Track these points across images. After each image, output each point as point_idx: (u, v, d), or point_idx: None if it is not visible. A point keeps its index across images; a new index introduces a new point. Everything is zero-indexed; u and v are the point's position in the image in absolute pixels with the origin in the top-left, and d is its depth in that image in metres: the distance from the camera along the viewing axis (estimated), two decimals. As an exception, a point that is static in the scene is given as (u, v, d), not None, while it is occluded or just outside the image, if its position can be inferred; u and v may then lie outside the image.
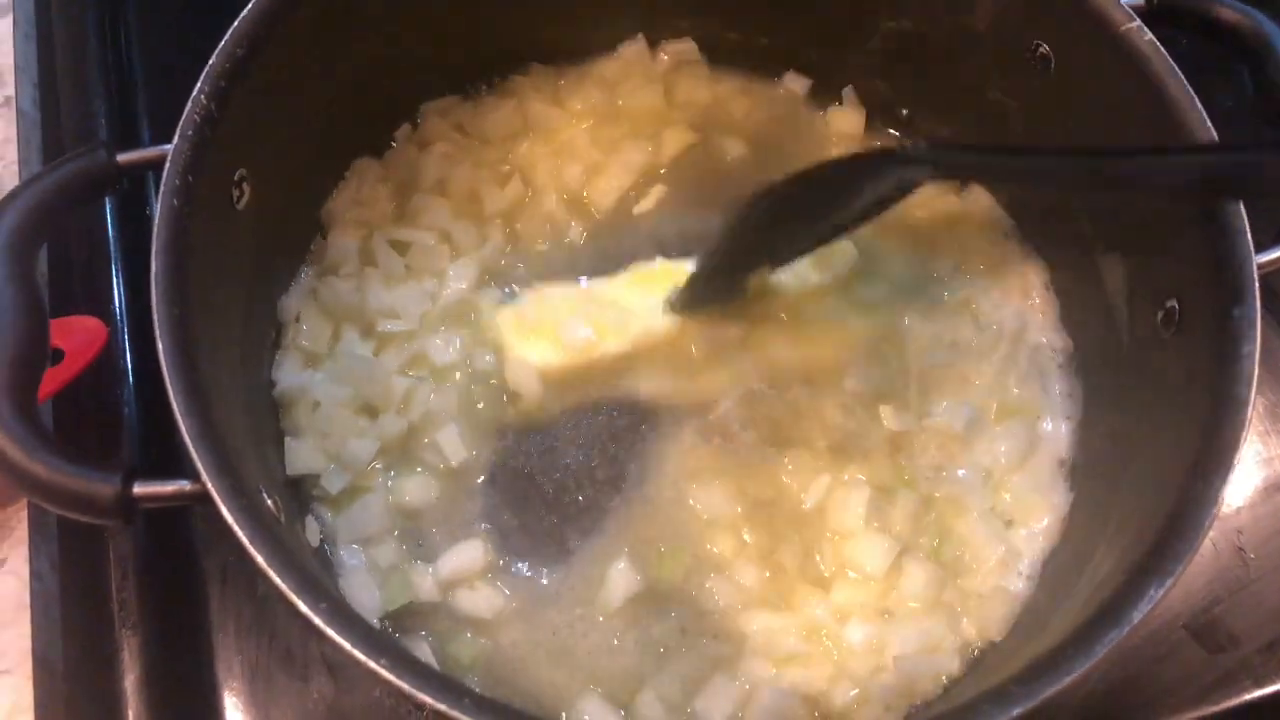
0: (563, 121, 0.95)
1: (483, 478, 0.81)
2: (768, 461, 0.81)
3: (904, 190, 0.76)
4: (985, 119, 0.88)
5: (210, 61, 0.68)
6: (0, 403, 0.58)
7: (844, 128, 0.96)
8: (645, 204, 0.93)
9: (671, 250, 0.90)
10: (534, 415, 0.83)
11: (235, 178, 0.72)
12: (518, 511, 0.80)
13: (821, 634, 0.76)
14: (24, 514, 0.81)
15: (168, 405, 0.60)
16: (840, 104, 0.96)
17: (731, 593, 0.77)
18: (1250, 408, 0.63)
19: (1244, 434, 0.62)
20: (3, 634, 0.78)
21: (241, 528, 0.57)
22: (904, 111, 0.95)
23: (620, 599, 0.76)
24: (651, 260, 0.88)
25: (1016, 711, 0.56)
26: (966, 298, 0.89)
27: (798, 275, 0.86)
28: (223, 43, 0.69)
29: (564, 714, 0.73)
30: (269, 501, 0.64)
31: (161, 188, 0.65)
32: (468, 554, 0.77)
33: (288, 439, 0.79)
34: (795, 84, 0.97)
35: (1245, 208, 0.67)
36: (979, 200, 0.92)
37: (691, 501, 0.80)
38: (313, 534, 0.77)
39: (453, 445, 0.80)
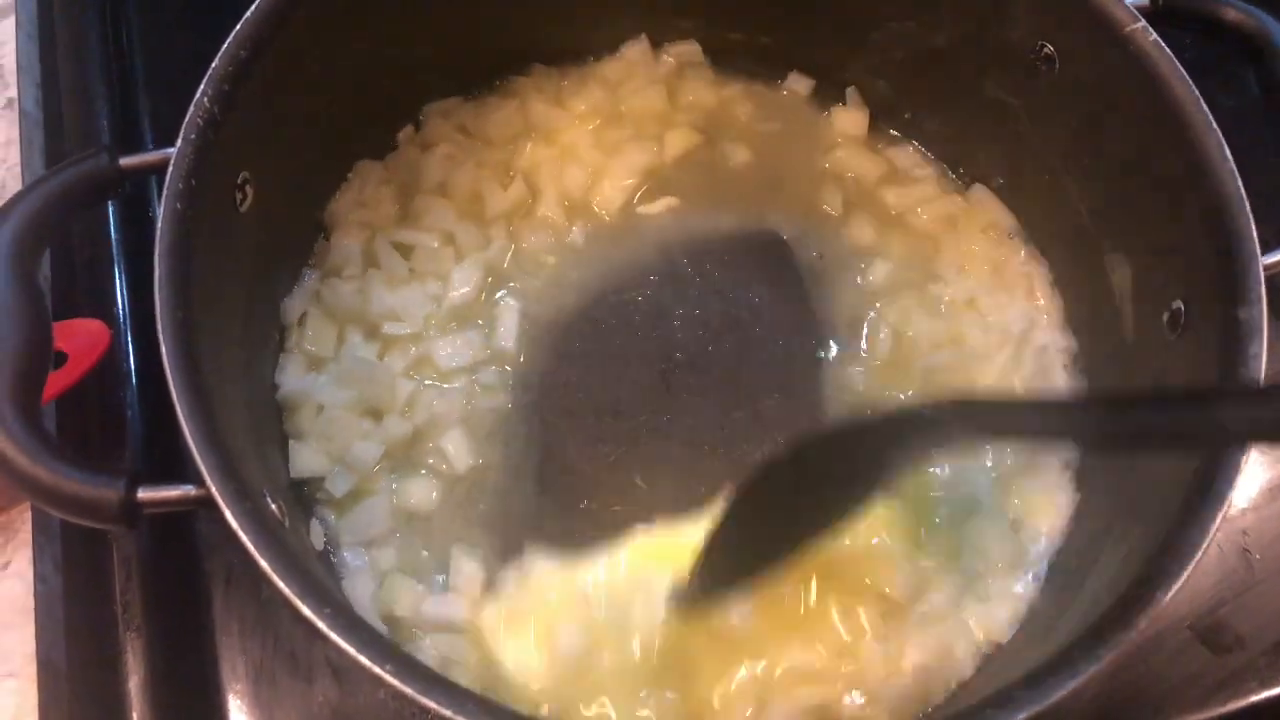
0: (565, 123, 0.94)
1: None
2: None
3: (934, 448, 0.65)
4: (988, 119, 0.88)
5: (213, 64, 0.68)
6: (3, 406, 0.58)
7: (847, 128, 0.96)
8: (649, 207, 0.92)
9: (674, 251, 0.90)
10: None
11: (238, 180, 0.72)
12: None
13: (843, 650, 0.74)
14: (28, 516, 0.81)
15: (171, 408, 0.60)
16: (844, 104, 0.96)
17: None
18: (1256, 409, 0.62)
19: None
20: (7, 636, 0.78)
21: (246, 532, 0.57)
22: (906, 115, 0.95)
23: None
24: (649, 522, 0.76)
25: (1022, 716, 0.56)
26: (971, 298, 0.89)
27: None
28: (225, 45, 0.69)
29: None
30: (273, 506, 0.64)
31: (164, 191, 0.65)
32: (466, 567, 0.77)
33: (292, 442, 0.79)
34: (798, 84, 0.97)
35: (1251, 208, 0.67)
36: (982, 200, 0.92)
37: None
38: (317, 538, 0.76)
39: (458, 450, 0.80)
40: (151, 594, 0.79)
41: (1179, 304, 0.71)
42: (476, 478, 0.81)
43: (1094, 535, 0.76)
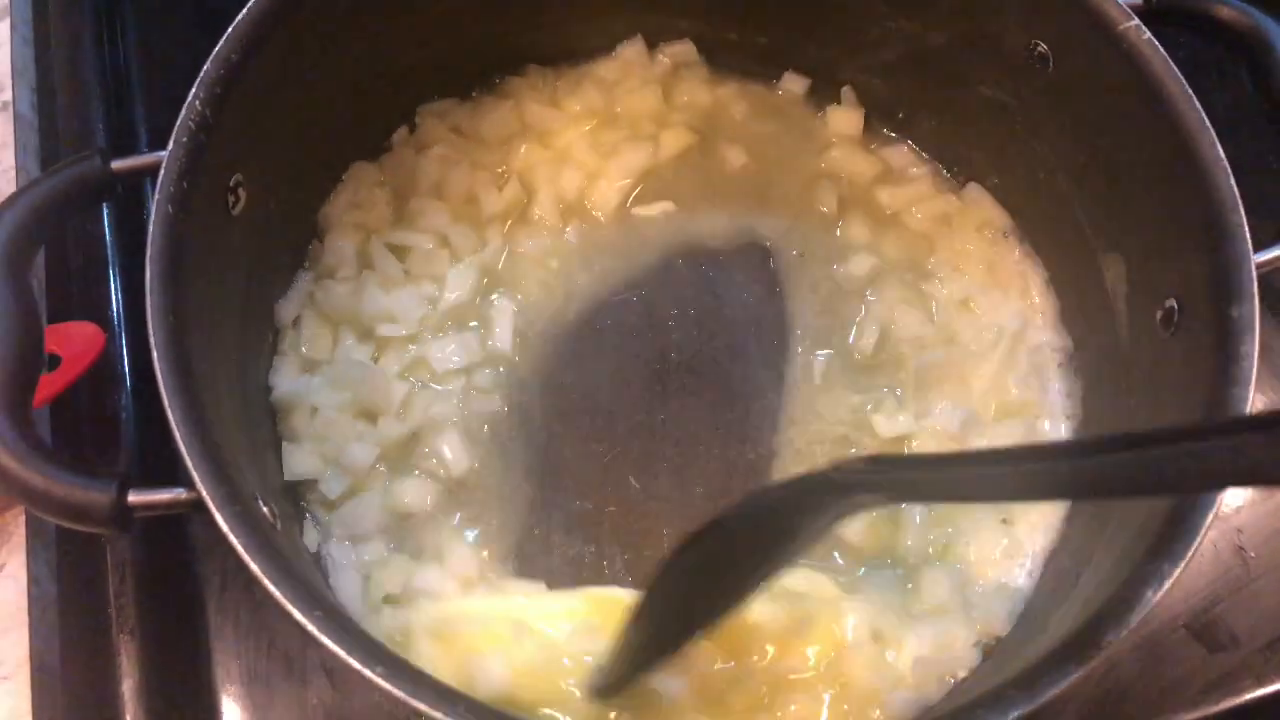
0: (560, 124, 0.94)
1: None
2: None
3: (850, 513, 0.62)
4: (983, 119, 0.87)
5: (204, 67, 0.68)
6: (-5, 411, 0.58)
7: (842, 128, 0.96)
8: (645, 208, 0.92)
9: (669, 252, 0.91)
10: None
11: (231, 183, 0.71)
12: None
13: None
14: (22, 519, 0.81)
15: (165, 412, 0.60)
16: (839, 104, 0.96)
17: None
18: (1249, 407, 0.62)
19: (1243, 435, 0.61)
20: (1, 640, 0.78)
21: (236, 535, 0.57)
22: (900, 114, 0.95)
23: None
24: (611, 587, 0.76)
25: (1014, 715, 0.56)
26: (965, 297, 0.89)
27: None
28: (217, 48, 0.69)
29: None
30: (265, 509, 0.64)
31: (156, 195, 0.65)
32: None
33: (285, 444, 0.79)
34: (794, 84, 0.97)
35: (1244, 206, 0.66)
36: (977, 199, 0.92)
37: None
38: (311, 539, 0.76)
39: (454, 452, 0.80)
40: (146, 597, 0.79)
41: (1173, 302, 0.71)
42: (472, 479, 0.81)
43: (1087, 533, 0.76)
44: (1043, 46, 0.79)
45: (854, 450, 0.83)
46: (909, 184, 0.94)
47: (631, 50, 0.96)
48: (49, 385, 0.80)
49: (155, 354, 0.61)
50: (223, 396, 0.69)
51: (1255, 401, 0.63)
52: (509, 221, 0.91)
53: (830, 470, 0.58)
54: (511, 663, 0.69)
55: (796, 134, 0.96)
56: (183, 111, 0.67)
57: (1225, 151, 0.68)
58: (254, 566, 0.56)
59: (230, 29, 0.70)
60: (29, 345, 0.61)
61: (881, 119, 0.96)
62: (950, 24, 0.85)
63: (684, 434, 0.84)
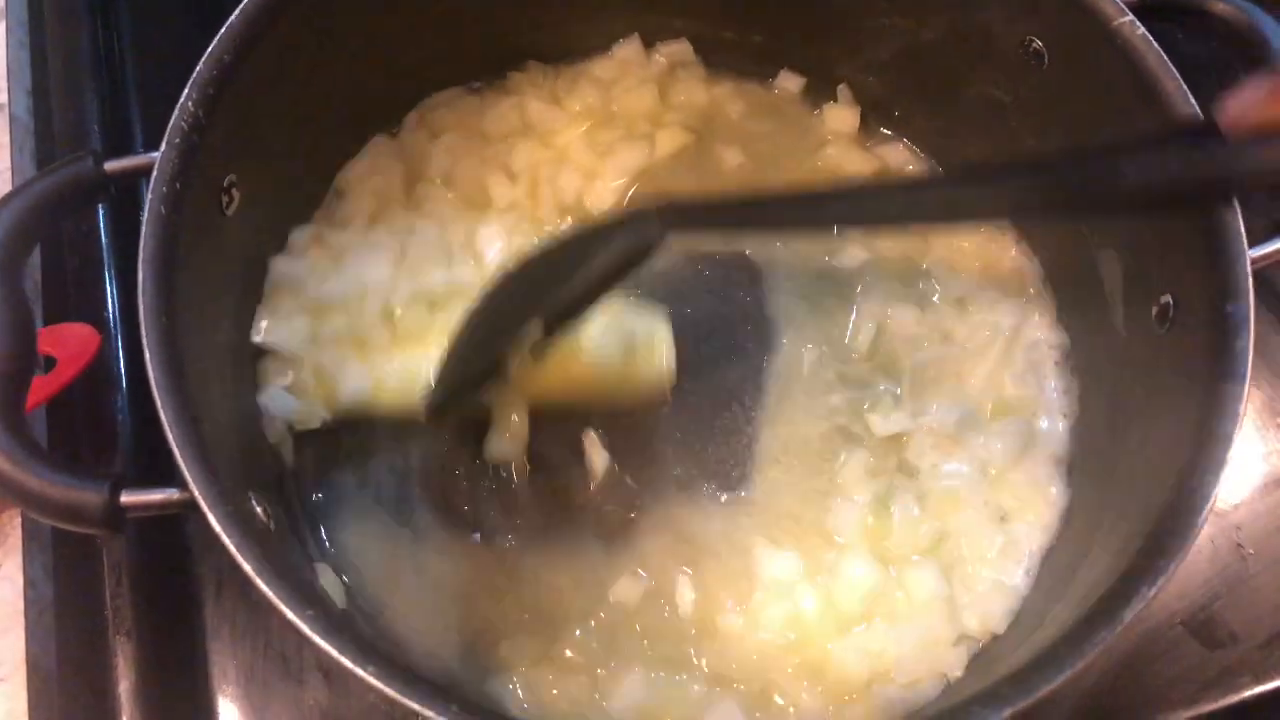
0: (561, 123, 0.94)
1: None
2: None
3: (645, 253, 0.69)
4: (978, 115, 0.87)
5: (197, 68, 0.68)
6: (-13, 411, 0.59)
7: (838, 126, 0.95)
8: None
9: (670, 251, 0.90)
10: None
11: (224, 184, 0.72)
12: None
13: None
14: (18, 521, 0.82)
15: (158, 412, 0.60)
16: (835, 102, 0.96)
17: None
18: (1244, 403, 0.62)
19: (1237, 429, 0.62)
20: (-2, 641, 0.78)
21: (229, 534, 0.57)
22: (896, 112, 0.95)
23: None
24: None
25: (1008, 711, 0.56)
26: (961, 295, 0.89)
27: None
28: (209, 49, 0.69)
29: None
30: (258, 508, 0.64)
31: (149, 195, 0.65)
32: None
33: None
34: (790, 82, 0.97)
35: (1238, 202, 0.66)
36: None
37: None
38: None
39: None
40: (142, 598, 0.79)
41: (1168, 298, 0.71)
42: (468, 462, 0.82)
43: (1084, 530, 0.76)
44: (1037, 43, 0.79)
45: (849, 449, 0.83)
46: (905, 182, 0.94)
47: (628, 49, 0.96)
48: (44, 387, 0.80)
49: (148, 355, 0.61)
50: (215, 398, 0.69)
51: (1251, 396, 0.63)
52: (510, 216, 0.90)
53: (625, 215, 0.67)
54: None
55: (793, 132, 0.96)
56: (175, 112, 0.67)
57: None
58: (246, 565, 0.56)
59: (223, 29, 0.70)
60: (21, 346, 0.61)
61: (878, 117, 0.95)
62: (944, 21, 0.85)
63: (682, 433, 0.84)
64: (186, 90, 0.68)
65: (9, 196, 0.66)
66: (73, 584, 0.80)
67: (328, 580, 0.75)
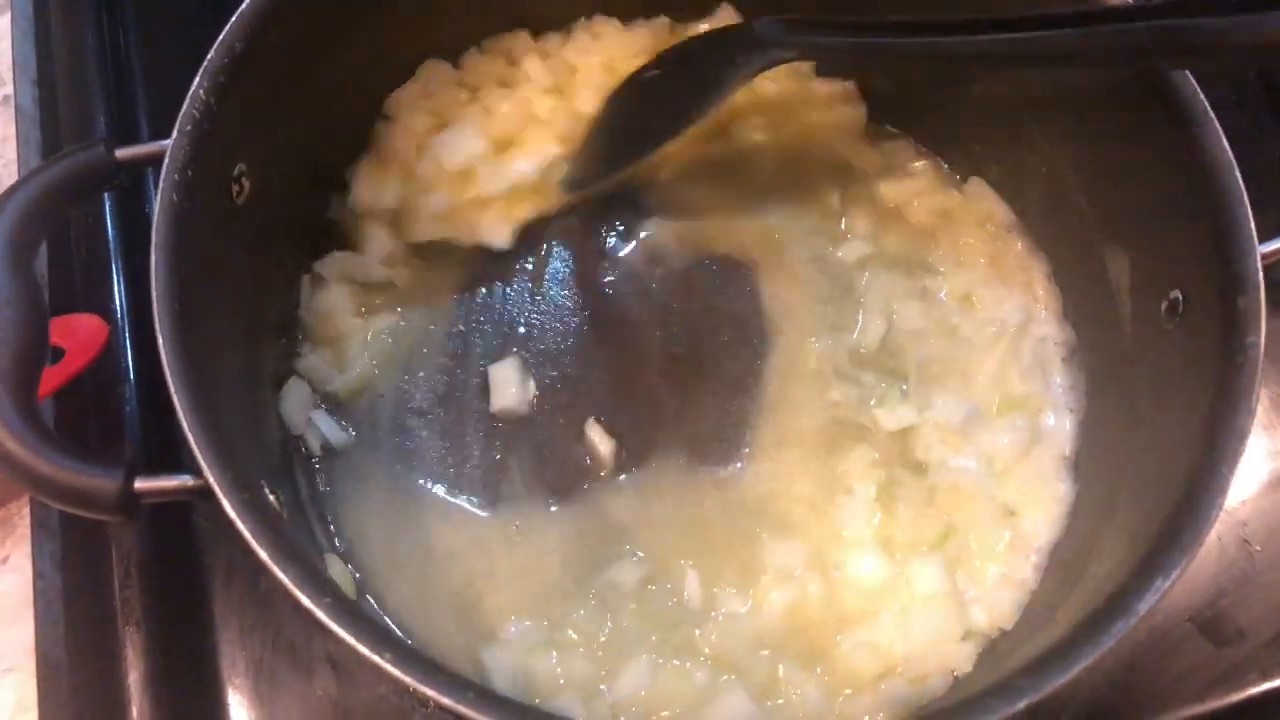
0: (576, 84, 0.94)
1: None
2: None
3: (763, 69, 0.76)
4: (985, 113, 0.88)
5: (209, 56, 0.68)
6: (0, 399, 0.58)
7: (844, 123, 0.95)
8: (662, 172, 0.93)
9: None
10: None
11: (234, 173, 0.72)
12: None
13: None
14: (27, 511, 0.81)
15: (169, 403, 0.60)
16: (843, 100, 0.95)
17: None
18: (1255, 398, 0.63)
19: (1249, 425, 0.62)
20: (6, 631, 0.78)
21: (244, 521, 0.57)
22: (903, 110, 0.94)
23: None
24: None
25: (1022, 704, 0.56)
26: (967, 292, 0.89)
27: None
28: (220, 37, 0.69)
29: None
30: (271, 496, 0.64)
31: (160, 184, 0.65)
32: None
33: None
34: (795, 80, 0.96)
35: (1248, 198, 0.67)
36: (979, 194, 0.92)
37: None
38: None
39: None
40: (151, 589, 0.79)
41: (1177, 294, 0.71)
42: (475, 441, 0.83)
43: (1094, 524, 0.76)
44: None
45: (854, 442, 0.83)
46: (911, 179, 0.94)
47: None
48: (52, 378, 0.80)
49: (161, 340, 0.61)
50: (227, 385, 0.69)
51: (1260, 396, 0.63)
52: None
53: (749, 27, 0.72)
54: None
55: (799, 129, 0.96)
56: (186, 100, 0.67)
57: (1230, 143, 0.68)
58: (261, 552, 0.55)
59: (234, 17, 0.70)
60: (34, 333, 0.61)
61: (884, 114, 0.95)
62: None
63: (686, 431, 0.84)
64: (198, 78, 0.68)
65: (20, 183, 0.66)
66: (82, 574, 0.80)
67: (336, 570, 0.75)
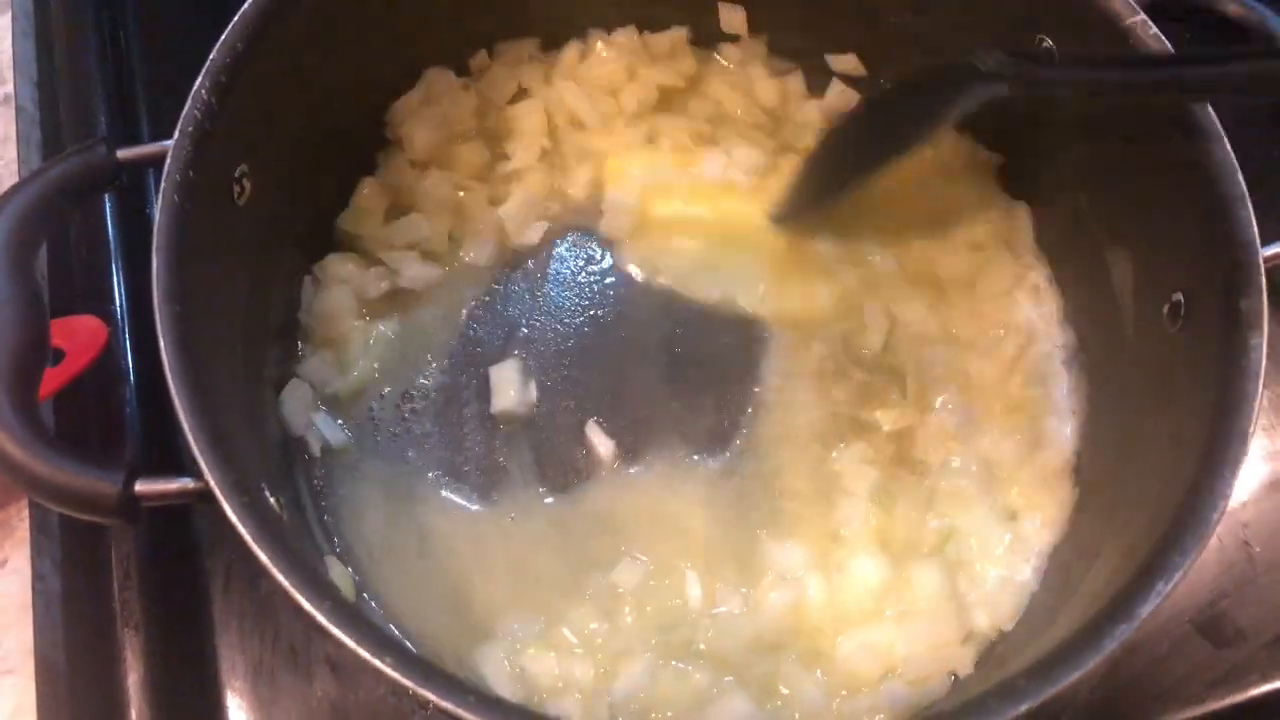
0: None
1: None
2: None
3: (981, 101, 0.76)
4: (987, 114, 0.87)
5: (211, 56, 0.68)
6: (0, 401, 0.58)
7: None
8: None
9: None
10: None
11: (236, 174, 0.71)
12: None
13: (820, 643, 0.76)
14: (26, 514, 0.81)
15: (169, 405, 0.60)
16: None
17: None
18: (1258, 401, 0.62)
19: (1252, 427, 0.62)
20: (5, 634, 0.78)
21: (245, 525, 0.56)
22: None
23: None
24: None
25: (1025, 707, 0.56)
26: (970, 294, 0.88)
27: None
28: (223, 37, 0.69)
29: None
30: (272, 499, 0.64)
31: (162, 184, 0.65)
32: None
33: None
34: (795, 82, 0.97)
35: (1251, 200, 0.66)
36: (984, 195, 0.92)
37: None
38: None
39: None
40: (150, 591, 0.79)
41: (1179, 296, 0.71)
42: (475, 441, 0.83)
43: (1095, 527, 0.76)
44: (1048, 42, 0.79)
45: (854, 443, 0.83)
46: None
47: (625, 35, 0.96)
48: (52, 379, 0.80)
49: (162, 343, 0.60)
50: (228, 388, 0.68)
51: (1261, 397, 0.63)
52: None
53: (975, 61, 0.73)
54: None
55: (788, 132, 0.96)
56: (188, 101, 0.67)
57: (1232, 145, 0.68)
58: (263, 556, 0.55)
59: (236, 17, 0.70)
60: (35, 334, 0.61)
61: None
62: (953, 18, 0.85)
63: (688, 430, 0.84)
64: (200, 79, 0.67)
65: (20, 184, 0.65)
66: (81, 577, 0.80)
67: (336, 573, 0.75)
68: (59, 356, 0.80)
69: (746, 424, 0.84)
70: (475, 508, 0.80)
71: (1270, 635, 0.81)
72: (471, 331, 0.87)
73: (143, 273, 0.63)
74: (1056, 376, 0.85)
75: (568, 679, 0.73)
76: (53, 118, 0.99)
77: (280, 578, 0.55)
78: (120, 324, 0.88)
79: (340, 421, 0.82)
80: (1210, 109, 0.69)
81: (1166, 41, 0.71)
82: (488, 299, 0.88)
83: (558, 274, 0.90)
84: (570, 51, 0.95)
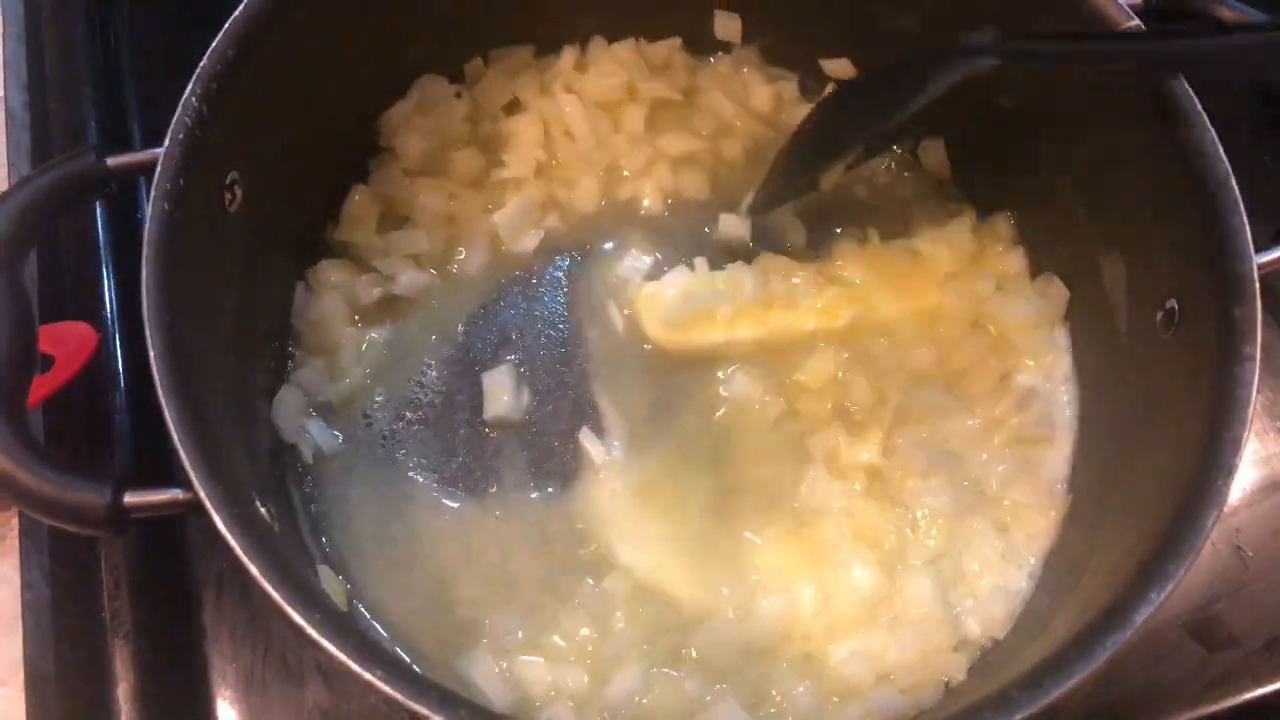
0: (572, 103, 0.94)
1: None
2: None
3: (967, 80, 0.75)
4: (979, 116, 0.87)
5: (201, 63, 0.68)
6: (-12, 411, 0.58)
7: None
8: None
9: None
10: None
11: (227, 180, 0.71)
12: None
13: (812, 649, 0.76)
14: (15, 523, 0.80)
15: (160, 412, 0.59)
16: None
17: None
18: (1251, 409, 0.62)
19: (1246, 435, 0.62)
20: (-6, 644, 0.77)
21: (235, 536, 0.56)
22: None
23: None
24: None
25: (1019, 716, 0.56)
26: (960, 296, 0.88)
27: None
28: (214, 44, 0.69)
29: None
30: (263, 509, 0.64)
31: (152, 192, 0.64)
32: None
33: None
34: (789, 89, 0.96)
35: (1245, 207, 0.66)
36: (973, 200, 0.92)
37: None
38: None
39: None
40: (140, 600, 0.78)
41: (1173, 303, 0.71)
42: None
43: (1088, 534, 0.76)
44: (1043, 47, 0.79)
45: (852, 443, 0.82)
46: (903, 184, 0.94)
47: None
48: (42, 386, 0.79)
49: (151, 352, 0.60)
50: (218, 397, 0.68)
51: (1255, 404, 0.63)
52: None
53: (959, 41, 0.73)
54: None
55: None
56: (179, 109, 0.66)
57: (1226, 152, 0.68)
58: (253, 568, 0.55)
59: (228, 24, 0.69)
60: (24, 343, 0.61)
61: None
62: (945, 25, 0.84)
63: (675, 429, 0.84)
64: (190, 86, 0.67)
65: (10, 191, 0.65)
66: (70, 586, 0.79)
67: (328, 582, 0.74)
68: (48, 363, 0.80)
69: (741, 432, 0.83)
70: (468, 514, 0.80)
71: (1263, 639, 0.81)
72: (465, 338, 0.87)
73: (134, 279, 0.62)
74: (1049, 383, 0.85)
75: (559, 686, 0.73)
76: (43, 122, 0.99)
77: (271, 590, 0.55)
78: (111, 330, 0.88)
79: (333, 429, 0.82)
80: (1206, 119, 0.69)
81: (1160, 45, 0.71)
82: (481, 306, 0.88)
83: (552, 280, 0.90)
84: (566, 59, 0.94)
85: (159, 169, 0.65)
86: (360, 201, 0.88)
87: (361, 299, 0.86)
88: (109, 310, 0.89)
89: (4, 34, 1.03)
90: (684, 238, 0.91)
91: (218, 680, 0.76)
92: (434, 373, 0.85)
